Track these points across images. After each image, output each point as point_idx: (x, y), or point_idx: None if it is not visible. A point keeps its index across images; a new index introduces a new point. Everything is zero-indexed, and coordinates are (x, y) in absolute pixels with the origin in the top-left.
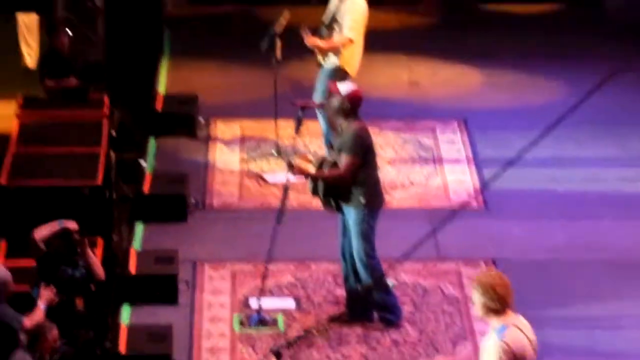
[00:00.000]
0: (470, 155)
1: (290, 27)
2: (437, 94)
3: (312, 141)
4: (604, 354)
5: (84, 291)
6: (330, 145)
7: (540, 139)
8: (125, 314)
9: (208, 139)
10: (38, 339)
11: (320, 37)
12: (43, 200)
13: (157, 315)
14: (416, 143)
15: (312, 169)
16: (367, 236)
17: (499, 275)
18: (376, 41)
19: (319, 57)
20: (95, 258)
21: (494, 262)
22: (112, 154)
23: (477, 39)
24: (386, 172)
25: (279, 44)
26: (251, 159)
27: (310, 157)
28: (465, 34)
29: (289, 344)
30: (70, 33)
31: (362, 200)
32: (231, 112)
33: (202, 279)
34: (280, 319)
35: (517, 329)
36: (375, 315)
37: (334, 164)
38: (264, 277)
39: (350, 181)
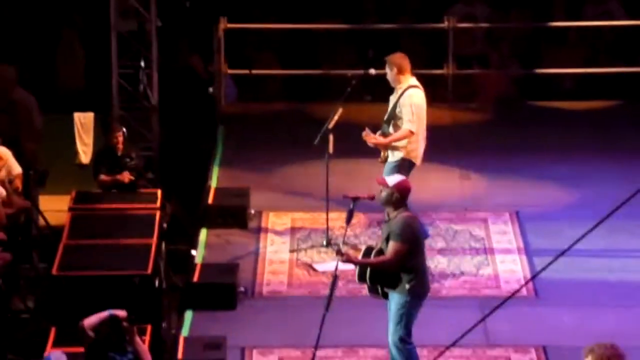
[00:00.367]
0: (522, 245)
1: (342, 122)
2: (489, 187)
3: (363, 232)
4: None
5: None
6: None
7: (593, 230)
8: None
9: (259, 231)
10: None
11: (382, 133)
12: (93, 289)
13: None
14: (467, 234)
15: (359, 257)
16: (406, 322)
17: (612, 346)
18: (428, 137)
19: (384, 154)
20: (143, 345)
21: (544, 349)
22: (163, 245)
23: (528, 134)
24: (437, 262)
25: (331, 138)
26: (301, 250)
27: (360, 247)
28: (517, 130)
29: None
30: (125, 131)
31: (407, 286)
32: (282, 205)
33: None
34: None
35: None
36: None
37: (380, 252)
38: None
39: (397, 268)
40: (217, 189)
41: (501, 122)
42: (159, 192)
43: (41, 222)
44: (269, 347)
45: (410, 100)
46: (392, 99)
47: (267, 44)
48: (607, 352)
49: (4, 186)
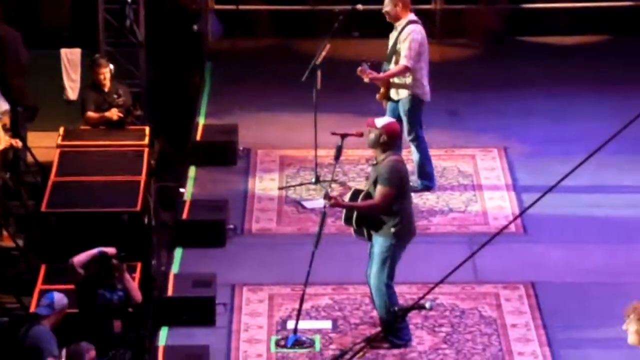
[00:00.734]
0: (510, 181)
1: (330, 58)
2: (477, 124)
3: (351, 169)
4: None
5: (121, 314)
6: (420, 176)
7: (581, 165)
8: (163, 336)
9: (248, 168)
10: None
11: (384, 71)
12: (82, 226)
13: (194, 336)
14: (456, 170)
15: (346, 200)
16: (389, 266)
17: None
18: None
19: (383, 90)
20: (132, 282)
21: (532, 285)
22: (152, 183)
23: (518, 70)
24: (425, 199)
25: (319, 74)
26: (290, 187)
27: (349, 184)
28: (505, 65)
29: None
30: (112, 67)
31: (392, 230)
32: (271, 141)
33: (239, 301)
34: (318, 339)
35: None
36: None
37: (368, 195)
38: (302, 299)
39: (384, 211)
40: (205, 126)
41: (490, 58)
42: (147, 129)
43: (29, 159)
44: (259, 284)
45: (410, 36)
46: (392, 35)
47: None
48: None
49: None
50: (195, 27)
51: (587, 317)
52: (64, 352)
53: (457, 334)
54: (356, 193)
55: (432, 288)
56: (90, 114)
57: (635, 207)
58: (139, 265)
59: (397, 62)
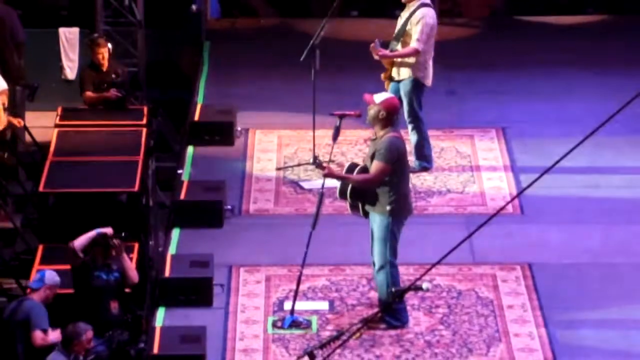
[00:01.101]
0: (508, 162)
1: (329, 38)
2: (475, 104)
3: (349, 150)
4: None
5: (118, 295)
6: (418, 157)
7: (578, 146)
8: (160, 317)
9: (246, 148)
10: (73, 340)
11: (391, 51)
12: (80, 206)
13: (192, 317)
14: (454, 151)
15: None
16: (391, 244)
17: None
18: None
19: (389, 70)
20: (129, 262)
21: (529, 266)
22: (150, 163)
23: (516, 49)
24: (423, 179)
25: (317, 54)
26: (288, 167)
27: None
28: (504, 45)
29: (322, 345)
30: (110, 47)
31: (388, 207)
32: (269, 122)
33: (237, 282)
34: (314, 320)
35: None
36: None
37: (364, 169)
38: (299, 280)
39: (378, 186)
40: (203, 106)
41: (488, 38)
42: (145, 108)
43: (27, 139)
44: (256, 265)
45: (423, 19)
46: (403, 15)
47: None
48: None
49: None
50: (194, 7)
51: (584, 298)
52: (56, 331)
53: (453, 315)
54: (352, 167)
55: (429, 269)
56: (89, 93)
57: (632, 188)
58: (136, 246)
59: (404, 42)
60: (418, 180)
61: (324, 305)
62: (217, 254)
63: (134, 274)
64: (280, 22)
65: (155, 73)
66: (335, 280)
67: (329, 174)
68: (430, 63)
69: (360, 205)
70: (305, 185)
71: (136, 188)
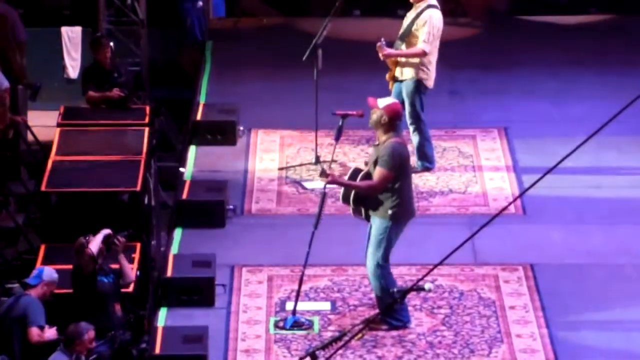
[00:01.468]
0: (511, 162)
1: (331, 38)
2: (478, 104)
3: (351, 150)
4: None
5: (118, 296)
6: (420, 157)
7: (581, 146)
8: (162, 316)
9: (248, 148)
10: (75, 340)
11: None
12: (82, 205)
13: (194, 317)
14: (456, 151)
15: (346, 179)
16: (385, 248)
17: None
18: None
19: (393, 70)
20: (126, 263)
21: (531, 267)
22: (153, 162)
23: (519, 49)
24: (425, 179)
25: (320, 54)
26: (290, 167)
27: (349, 165)
28: (506, 45)
29: (324, 346)
30: (112, 46)
31: (390, 211)
32: (271, 122)
33: (239, 282)
34: (316, 321)
35: None
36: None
37: (368, 175)
38: (301, 280)
39: (381, 192)
40: (205, 105)
41: (491, 38)
42: (148, 108)
43: (30, 138)
44: (258, 266)
45: (430, 20)
46: (410, 15)
47: None
48: None
49: None
50: (200, 3)
51: (586, 299)
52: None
53: (455, 315)
54: (356, 172)
55: (432, 269)
56: (92, 93)
57: (635, 188)
58: (138, 246)
59: (409, 43)
60: (420, 181)
61: (326, 306)
62: (219, 254)
63: (129, 273)
64: (283, 22)
65: (158, 72)
66: (337, 281)
67: (333, 181)
68: (434, 65)
69: (362, 209)
70: (308, 185)
71: (138, 188)
